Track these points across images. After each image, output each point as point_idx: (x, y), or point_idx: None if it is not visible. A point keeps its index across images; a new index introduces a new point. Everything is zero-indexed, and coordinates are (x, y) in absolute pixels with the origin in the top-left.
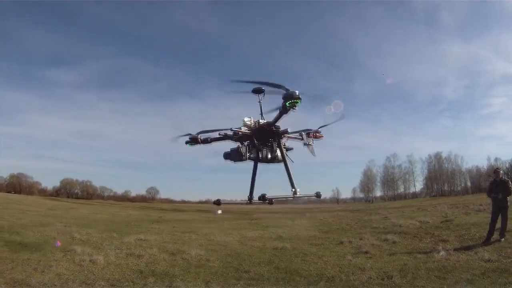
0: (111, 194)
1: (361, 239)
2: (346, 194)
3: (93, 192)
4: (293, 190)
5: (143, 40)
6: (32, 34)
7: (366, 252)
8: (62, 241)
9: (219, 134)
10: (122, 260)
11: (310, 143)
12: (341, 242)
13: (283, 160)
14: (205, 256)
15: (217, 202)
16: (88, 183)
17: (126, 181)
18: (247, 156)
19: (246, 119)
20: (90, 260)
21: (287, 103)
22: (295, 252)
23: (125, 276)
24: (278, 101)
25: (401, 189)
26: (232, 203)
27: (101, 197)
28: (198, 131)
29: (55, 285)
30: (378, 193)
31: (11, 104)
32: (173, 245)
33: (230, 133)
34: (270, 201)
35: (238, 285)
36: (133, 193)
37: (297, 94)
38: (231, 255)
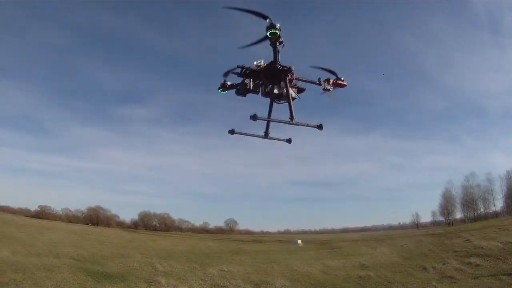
0: (189, 226)
1: (444, 263)
2: (425, 218)
3: (171, 224)
4: (290, 117)
5: (214, 71)
6: (106, 72)
7: (451, 277)
8: (145, 272)
9: (232, 73)
10: None
11: (329, 88)
12: (424, 268)
13: (287, 92)
14: (290, 287)
15: (231, 132)
16: (166, 216)
17: (204, 213)
18: (251, 86)
19: (256, 61)
20: None
21: (268, 33)
22: (379, 280)
23: None
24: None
25: (481, 209)
26: (248, 134)
27: (179, 229)
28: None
29: None
30: (458, 215)
31: (88, 141)
32: (257, 276)
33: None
34: (267, 131)
35: None
36: (211, 225)
37: (273, 23)
38: (315, 285)
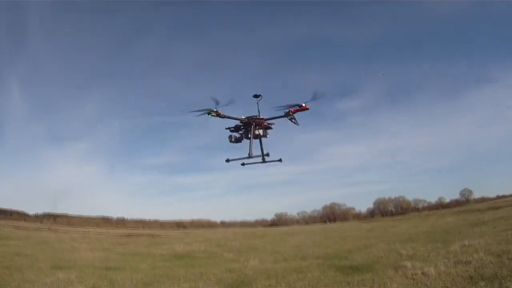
0: (425, 204)
1: None
2: None
3: (407, 207)
4: (262, 156)
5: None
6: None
7: None
8: (390, 259)
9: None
10: (452, 269)
11: (291, 118)
12: None
13: (259, 136)
14: None
15: (227, 161)
16: (401, 199)
17: (437, 188)
18: (233, 139)
19: (241, 117)
20: (422, 273)
21: (209, 115)
22: None
23: (456, 283)
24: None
25: None
26: (238, 158)
27: (415, 209)
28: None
29: None
30: None
31: (312, 144)
32: (497, 246)
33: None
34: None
35: None
36: (447, 199)
37: (209, 110)
38: None
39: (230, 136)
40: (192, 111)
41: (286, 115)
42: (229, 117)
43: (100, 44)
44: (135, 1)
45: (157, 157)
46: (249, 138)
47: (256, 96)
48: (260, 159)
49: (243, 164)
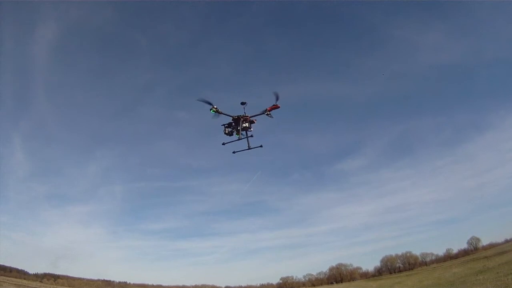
0: (433, 257)
1: None
2: None
3: (414, 261)
4: (247, 140)
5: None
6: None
7: None
8: None
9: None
10: None
11: (268, 114)
12: None
13: (240, 128)
14: None
15: (223, 144)
16: (408, 254)
17: (444, 240)
18: (227, 132)
19: (233, 115)
20: None
21: (211, 111)
22: None
23: None
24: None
25: None
26: (231, 141)
27: (423, 263)
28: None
29: None
30: None
31: (315, 206)
32: None
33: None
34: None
35: None
36: (454, 250)
37: (211, 106)
38: None
39: (225, 130)
40: (197, 100)
41: (264, 112)
42: (224, 114)
43: (103, 108)
44: (136, 65)
45: (160, 222)
46: (239, 130)
47: (242, 103)
48: (247, 147)
49: (234, 152)
